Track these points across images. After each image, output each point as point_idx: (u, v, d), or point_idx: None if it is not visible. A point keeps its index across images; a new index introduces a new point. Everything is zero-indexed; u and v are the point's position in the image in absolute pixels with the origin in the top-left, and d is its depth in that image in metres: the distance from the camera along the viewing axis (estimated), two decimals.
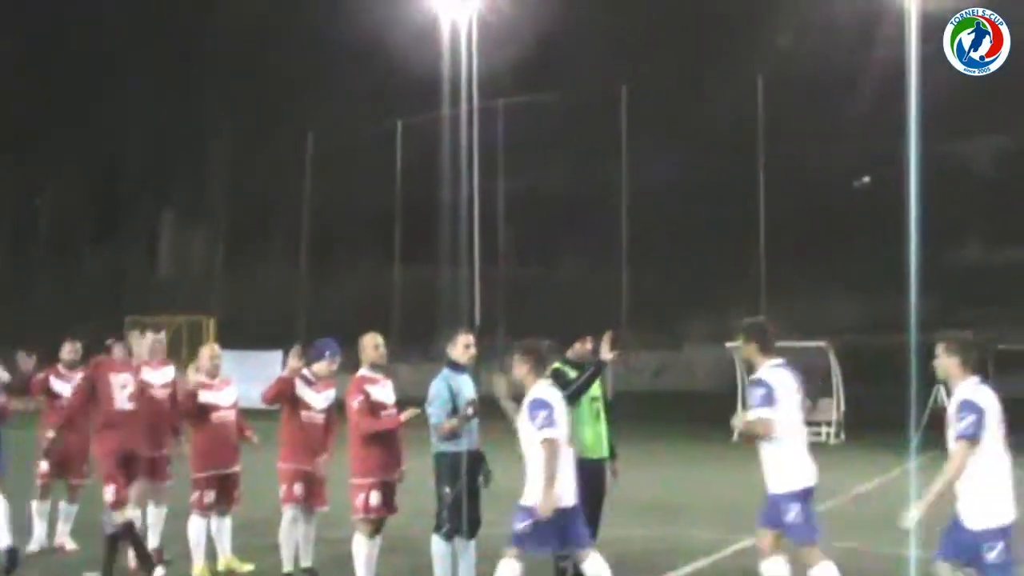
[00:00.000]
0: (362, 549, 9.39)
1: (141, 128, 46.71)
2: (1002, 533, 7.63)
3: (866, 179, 38.93)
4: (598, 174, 37.68)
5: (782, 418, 8.22)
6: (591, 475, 9.20)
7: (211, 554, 10.44)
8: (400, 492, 9.70)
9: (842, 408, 27.49)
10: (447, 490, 8.84)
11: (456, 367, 9.13)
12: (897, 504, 11.60)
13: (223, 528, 10.44)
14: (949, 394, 8.31)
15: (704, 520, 13.92)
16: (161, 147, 46.45)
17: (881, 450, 24.32)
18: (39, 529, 11.50)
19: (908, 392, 28.75)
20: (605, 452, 9.52)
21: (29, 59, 45.77)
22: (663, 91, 37.11)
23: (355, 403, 9.34)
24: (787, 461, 8.29)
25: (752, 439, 8.31)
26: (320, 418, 9.95)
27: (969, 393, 8.00)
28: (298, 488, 9.78)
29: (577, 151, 37.88)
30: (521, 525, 8.08)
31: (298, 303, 42.24)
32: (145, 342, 11.06)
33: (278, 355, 29.08)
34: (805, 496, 8.38)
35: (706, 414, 27.37)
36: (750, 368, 8.48)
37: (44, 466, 11.35)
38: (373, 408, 9.36)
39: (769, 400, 8.19)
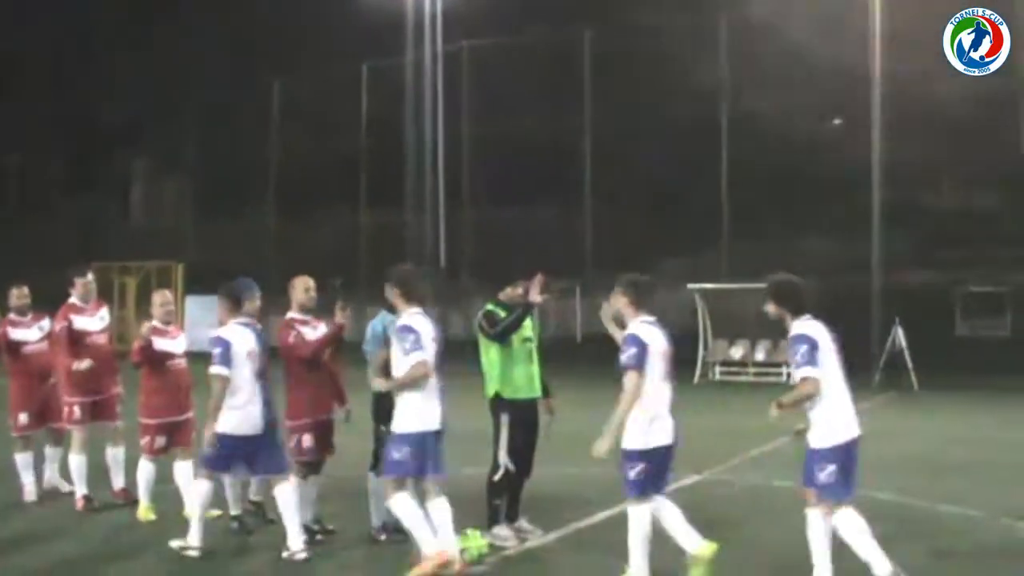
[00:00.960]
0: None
1: (113, 79, 46.40)
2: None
3: (837, 121, 38.89)
4: (564, 117, 37.61)
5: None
6: (524, 414, 9.39)
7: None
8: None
9: None
10: (383, 428, 8.85)
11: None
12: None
13: (185, 472, 10.27)
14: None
15: None
16: (133, 98, 46.10)
17: None
18: (28, 480, 11.45)
19: (870, 333, 29.28)
20: (538, 392, 9.66)
21: None
22: (627, 33, 36.97)
23: (290, 339, 9.48)
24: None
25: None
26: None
27: (636, 328, 8.20)
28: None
29: (542, 95, 37.75)
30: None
31: (267, 249, 42.25)
32: (76, 288, 11.13)
33: None
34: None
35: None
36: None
37: (23, 418, 11.28)
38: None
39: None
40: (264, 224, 44.10)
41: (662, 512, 8.23)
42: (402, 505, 8.15)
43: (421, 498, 8.17)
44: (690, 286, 28.68)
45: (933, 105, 30.40)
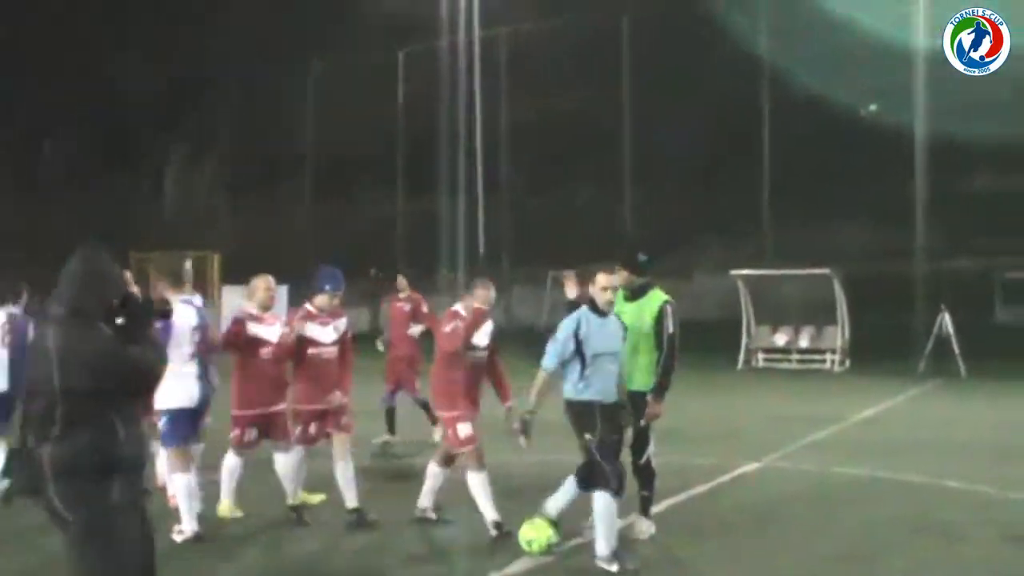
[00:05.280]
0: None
1: (148, 66, 46.34)
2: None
3: (873, 107, 38.48)
4: (603, 103, 37.34)
5: None
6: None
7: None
8: None
9: (847, 336, 27.45)
10: (588, 436, 8.15)
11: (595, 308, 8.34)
12: (901, 430, 11.59)
13: (288, 465, 9.86)
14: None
15: (706, 447, 13.90)
16: (167, 82, 46.05)
17: (886, 377, 24.33)
18: None
19: (914, 319, 28.94)
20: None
21: None
22: (666, 19, 36.64)
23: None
24: None
25: None
26: (330, 352, 9.56)
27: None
28: (313, 428, 9.48)
29: (580, 78, 37.45)
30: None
31: (303, 237, 42.16)
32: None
33: (283, 289, 29.07)
34: None
35: (713, 343, 27.49)
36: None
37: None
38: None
39: None
40: (300, 211, 44.03)
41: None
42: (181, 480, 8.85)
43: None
44: (732, 272, 28.41)
45: (974, 85, 29.95)
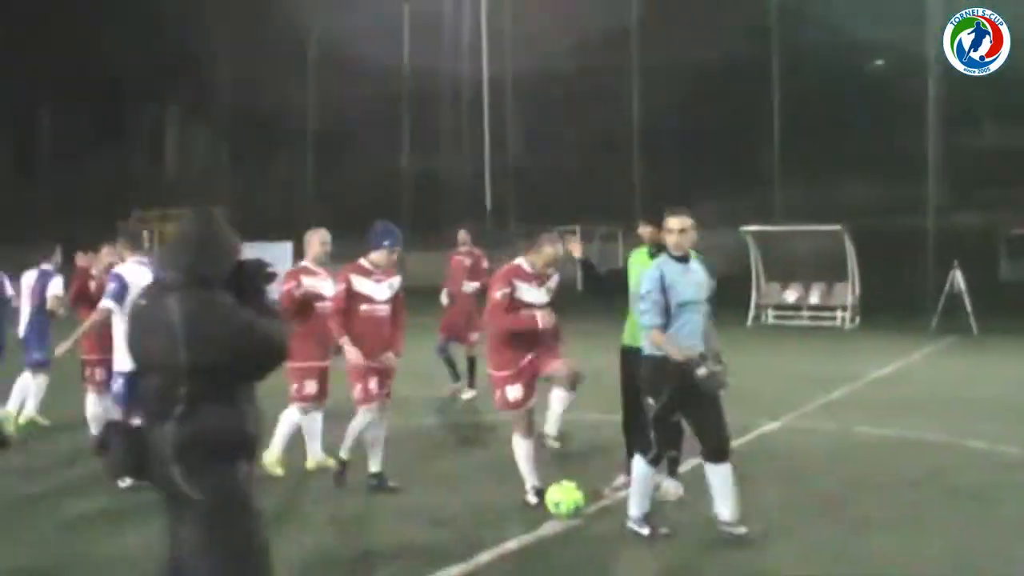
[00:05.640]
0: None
1: (144, 28, 45.81)
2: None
3: (880, 62, 38.13)
4: (609, 59, 36.95)
5: None
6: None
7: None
8: None
9: (857, 292, 27.28)
10: (650, 401, 7.69)
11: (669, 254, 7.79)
12: (919, 389, 11.43)
13: (315, 424, 9.95)
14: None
15: (728, 406, 13.74)
16: (164, 46, 45.51)
17: (897, 334, 24.22)
18: None
19: (924, 277, 28.77)
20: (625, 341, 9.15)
21: None
22: None
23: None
24: None
25: None
26: (383, 310, 9.15)
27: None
28: (373, 385, 9.04)
29: (587, 36, 37.01)
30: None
31: (306, 194, 41.90)
32: (101, 258, 11.16)
33: (288, 246, 28.97)
34: None
35: (722, 299, 27.23)
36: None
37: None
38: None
39: None
40: (302, 169, 43.75)
41: None
42: None
43: None
44: (742, 228, 28.16)
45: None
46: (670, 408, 7.58)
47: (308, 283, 9.54)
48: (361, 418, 9.06)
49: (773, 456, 10.65)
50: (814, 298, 27.69)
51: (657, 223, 8.46)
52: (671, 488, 8.79)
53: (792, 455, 10.71)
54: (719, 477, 7.56)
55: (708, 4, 34.88)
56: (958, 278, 24.90)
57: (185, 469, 4.44)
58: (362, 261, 9.16)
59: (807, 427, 12.40)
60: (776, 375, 17.42)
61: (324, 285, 9.54)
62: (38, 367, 11.94)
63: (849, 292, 27.17)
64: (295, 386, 9.53)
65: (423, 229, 33.46)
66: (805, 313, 27.74)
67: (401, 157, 41.47)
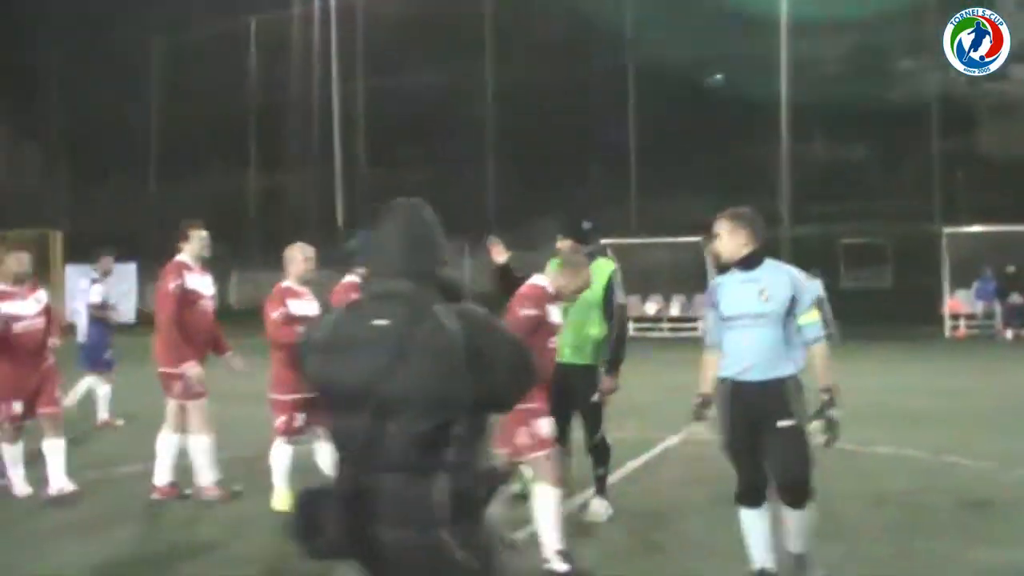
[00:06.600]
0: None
1: None
2: None
3: (718, 76, 38.91)
4: (464, 75, 36.78)
5: None
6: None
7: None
8: None
9: None
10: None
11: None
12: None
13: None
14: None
15: (617, 422, 13.50)
16: None
17: None
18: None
19: None
20: (564, 357, 8.72)
21: None
22: None
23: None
24: None
25: None
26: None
27: None
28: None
29: (439, 51, 36.81)
30: None
31: (148, 213, 40.62)
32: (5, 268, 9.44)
33: (131, 267, 28.00)
34: None
35: None
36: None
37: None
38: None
39: None
40: (143, 186, 42.45)
41: None
42: None
43: None
44: (601, 241, 28.20)
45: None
46: (741, 441, 6.54)
47: (294, 307, 8.53)
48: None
49: (687, 469, 10.46)
50: (674, 310, 27.94)
51: (577, 237, 8.25)
52: (600, 509, 8.47)
53: (705, 467, 10.46)
54: (792, 519, 6.47)
55: (566, 17, 35.10)
56: (819, 287, 25.28)
57: (462, 530, 3.38)
58: (351, 277, 8.57)
59: (711, 438, 12.25)
60: (658, 388, 17.19)
61: (311, 307, 8.60)
62: None
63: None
64: (283, 419, 8.57)
65: (271, 248, 32.69)
66: (665, 325, 27.95)
67: (248, 173, 40.55)
